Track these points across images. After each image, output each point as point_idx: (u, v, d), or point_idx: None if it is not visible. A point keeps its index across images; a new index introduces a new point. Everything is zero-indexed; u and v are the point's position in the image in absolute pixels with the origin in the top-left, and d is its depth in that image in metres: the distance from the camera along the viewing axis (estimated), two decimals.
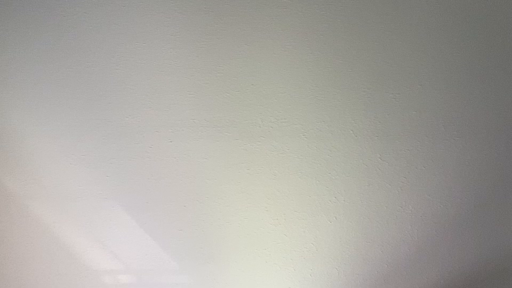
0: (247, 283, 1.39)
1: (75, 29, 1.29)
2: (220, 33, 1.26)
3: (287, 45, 1.26)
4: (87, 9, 1.28)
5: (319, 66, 1.27)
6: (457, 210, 1.34)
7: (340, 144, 1.30)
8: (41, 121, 1.33)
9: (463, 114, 1.28)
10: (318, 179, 1.33)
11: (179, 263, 1.40)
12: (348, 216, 1.35)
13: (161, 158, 1.33)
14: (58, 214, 1.39)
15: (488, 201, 1.33)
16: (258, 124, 1.30)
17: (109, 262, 1.41)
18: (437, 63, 1.26)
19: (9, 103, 1.33)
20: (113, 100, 1.32)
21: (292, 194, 1.34)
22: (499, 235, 1.35)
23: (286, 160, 1.32)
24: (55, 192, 1.37)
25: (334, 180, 1.33)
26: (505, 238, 1.36)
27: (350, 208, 1.34)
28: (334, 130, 1.30)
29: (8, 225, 1.39)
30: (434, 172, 1.31)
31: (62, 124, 1.34)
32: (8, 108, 1.33)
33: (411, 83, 1.27)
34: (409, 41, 1.25)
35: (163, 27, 1.27)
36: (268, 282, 1.39)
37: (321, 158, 1.31)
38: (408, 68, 1.26)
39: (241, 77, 1.28)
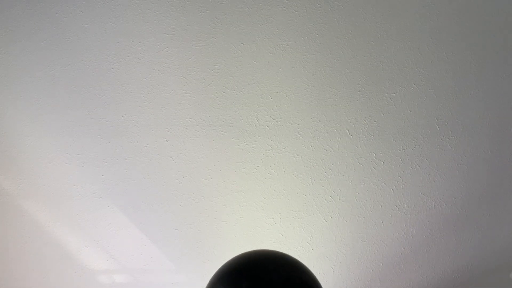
0: None
1: (71, 28, 1.28)
2: (216, 32, 1.26)
3: (283, 44, 1.26)
4: (82, 8, 1.27)
5: (315, 66, 1.27)
6: (452, 208, 1.34)
7: (336, 143, 1.31)
8: (35, 120, 1.33)
9: (457, 113, 1.29)
10: (314, 178, 1.33)
11: (175, 262, 1.40)
12: (343, 215, 1.35)
13: (157, 157, 1.33)
14: (53, 213, 1.38)
15: (482, 200, 1.34)
16: (254, 123, 1.30)
17: (104, 261, 1.41)
18: (432, 63, 1.26)
19: (3, 102, 1.32)
20: (109, 99, 1.31)
21: (288, 193, 1.34)
22: (493, 233, 1.37)
23: (282, 159, 1.32)
24: (50, 191, 1.36)
25: (329, 179, 1.33)
26: (499, 236, 1.37)
27: (345, 207, 1.35)
28: (330, 129, 1.30)
29: (3, 224, 1.38)
30: (428, 171, 1.32)
31: (57, 123, 1.33)
32: (2, 106, 1.32)
33: (406, 83, 1.27)
34: (404, 41, 1.26)
35: (159, 26, 1.27)
36: None
37: (316, 157, 1.32)
38: (403, 68, 1.27)
39: (237, 76, 1.28)
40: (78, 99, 1.31)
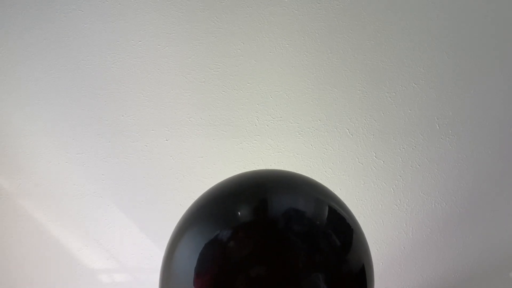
0: None
1: (70, 27, 1.28)
2: (217, 31, 1.26)
3: (283, 43, 1.26)
4: (82, 7, 1.27)
5: (315, 65, 1.27)
6: (452, 208, 1.34)
7: (336, 142, 1.31)
8: (35, 119, 1.33)
9: (457, 112, 1.29)
10: (313, 177, 1.33)
11: None
12: None
13: (157, 157, 1.33)
14: (53, 213, 1.38)
15: (482, 200, 1.34)
16: (254, 122, 1.30)
17: (104, 260, 1.41)
18: (432, 62, 1.27)
19: (3, 101, 1.32)
20: (109, 98, 1.31)
21: None
22: (493, 233, 1.36)
23: (282, 158, 1.32)
24: (50, 190, 1.36)
25: (329, 178, 1.33)
26: (500, 236, 1.37)
27: None
28: (330, 128, 1.30)
29: (2, 223, 1.38)
30: (428, 170, 1.32)
31: (57, 122, 1.33)
32: (2, 106, 1.32)
33: (406, 82, 1.27)
34: (404, 41, 1.26)
35: (159, 25, 1.27)
36: None
37: (317, 157, 1.32)
38: (403, 67, 1.27)
39: (237, 75, 1.28)
40: (78, 98, 1.32)
